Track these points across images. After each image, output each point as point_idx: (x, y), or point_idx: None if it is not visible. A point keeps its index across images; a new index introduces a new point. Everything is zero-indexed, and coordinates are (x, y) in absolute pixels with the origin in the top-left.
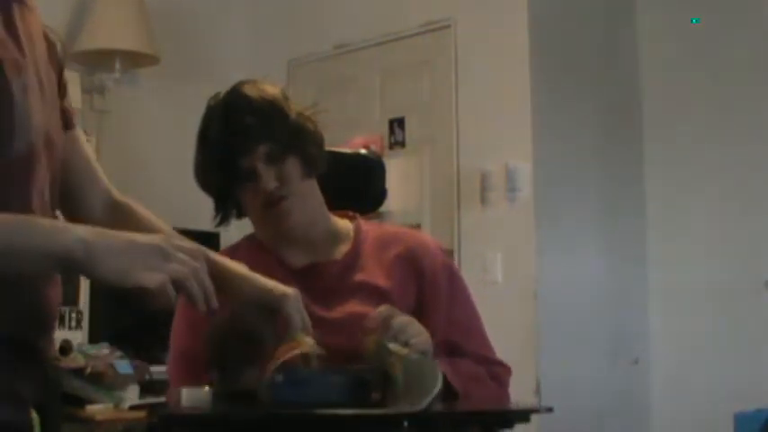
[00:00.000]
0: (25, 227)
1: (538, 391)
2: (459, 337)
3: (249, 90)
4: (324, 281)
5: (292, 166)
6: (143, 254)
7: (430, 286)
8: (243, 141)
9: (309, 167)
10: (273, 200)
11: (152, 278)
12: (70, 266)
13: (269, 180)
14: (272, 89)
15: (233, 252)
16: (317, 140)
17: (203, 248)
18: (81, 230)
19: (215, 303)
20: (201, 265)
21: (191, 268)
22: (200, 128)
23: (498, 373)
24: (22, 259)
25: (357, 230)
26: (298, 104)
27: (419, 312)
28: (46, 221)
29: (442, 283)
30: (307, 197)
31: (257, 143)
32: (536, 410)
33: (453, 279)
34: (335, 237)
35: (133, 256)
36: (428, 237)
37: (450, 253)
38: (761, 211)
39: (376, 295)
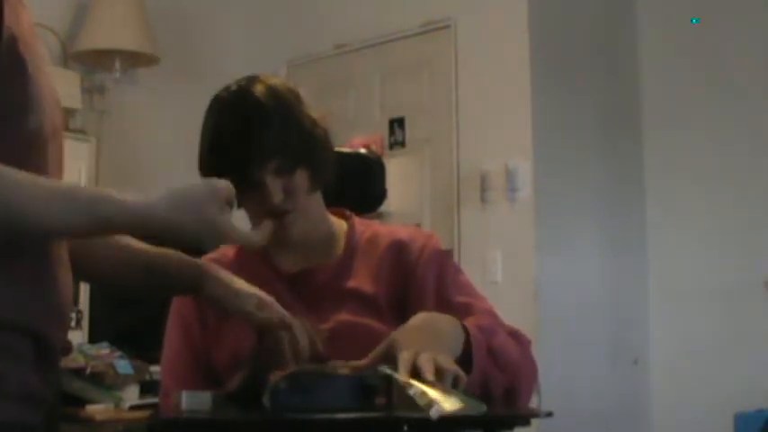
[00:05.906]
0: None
1: (537, 392)
2: (461, 315)
3: (264, 96)
4: (315, 287)
5: (300, 179)
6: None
7: (416, 275)
8: (258, 156)
9: (317, 180)
10: (277, 213)
11: None
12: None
13: (276, 193)
14: (285, 92)
15: (223, 255)
16: (327, 150)
17: None
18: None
19: None
20: None
21: None
22: (212, 125)
23: (521, 339)
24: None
25: (350, 232)
26: (307, 106)
27: (405, 304)
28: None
29: (429, 269)
30: (310, 211)
31: (271, 158)
32: (536, 414)
33: (444, 264)
34: (331, 239)
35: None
36: (420, 229)
37: (449, 252)
38: (761, 210)
39: (364, 303)
